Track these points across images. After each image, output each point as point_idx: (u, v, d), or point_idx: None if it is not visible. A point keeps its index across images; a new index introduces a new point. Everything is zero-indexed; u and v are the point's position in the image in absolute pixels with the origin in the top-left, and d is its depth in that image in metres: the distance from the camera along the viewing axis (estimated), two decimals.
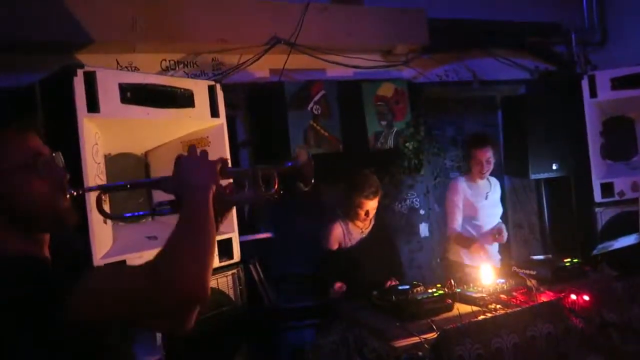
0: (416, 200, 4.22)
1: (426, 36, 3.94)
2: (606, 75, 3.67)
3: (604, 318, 2.40)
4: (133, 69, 3.22)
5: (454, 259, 3.37)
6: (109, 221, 2.30)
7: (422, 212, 4.24)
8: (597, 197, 3.66)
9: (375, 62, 3.98)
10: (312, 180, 1.29)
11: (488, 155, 3.27)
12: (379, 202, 3.04)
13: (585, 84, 3.66)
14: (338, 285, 2.86)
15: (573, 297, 2.42)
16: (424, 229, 4.26)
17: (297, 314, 3.17)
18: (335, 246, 3.04)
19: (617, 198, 3.64)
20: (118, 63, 3.23)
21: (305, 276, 3.26)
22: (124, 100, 2.35)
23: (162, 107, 2.48)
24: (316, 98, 3.67)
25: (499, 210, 3.48)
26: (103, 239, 2.29)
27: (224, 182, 1.23)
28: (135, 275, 1.03)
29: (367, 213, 2.99)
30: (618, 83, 3.64)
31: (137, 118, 2.42)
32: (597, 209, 3.66)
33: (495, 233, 3.25)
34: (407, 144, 3.99)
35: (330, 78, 3.86)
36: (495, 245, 3.37)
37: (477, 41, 4.32)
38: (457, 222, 3.29)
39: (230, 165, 1.34)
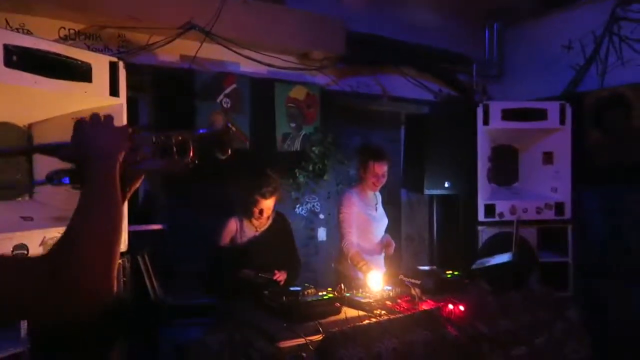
0: (317, 205, 4.27)
1: (342, 46, 4.03)
2: (498, 106, 3.99)
3: (476, 329, 2.58)
4: (25, 31, 2.92)
5: (341, 270, 3.33)
6: None
7: (321, 216, 4.29)
8: (481, 216, 3.96)
9: (291, 64, 3.98)
10: (230, 148, 1.21)
11: (384, 169, 3.28)
12: (277, 202, 3.01)
13: (480, 111, 3.95)
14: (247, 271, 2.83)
15: (450, 307, 2.59)
16: (322, 234, 4.32)
17: (184, 311, 3.04)
18: (226, 241, 3.01)
19: (497, 219, 3.96)
20: (8, 23, 2.91)
21: (197, 273, 3.14)
22: (9, 63, 2.11)
23: (53, 77, 2.25)
24: (227, 91, 3.58)
25: (386, 221, 3.48)
26: None
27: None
28: (30, 269, 0.84)
29: (261, 212, 2.97)
30: (507, 115, 3.98)
31: (22, 85, 2.17)
32: (479, 227, 3.96)
33: (384, 245, 3.30)
34: (313, 149, 4.04)
35: (243, 73, 3.79)
36: (382, 256, 3.39)
37: (390, 58, 4.50)
38: (353, 235, 3.23)
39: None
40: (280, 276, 2.93)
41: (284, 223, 3.22)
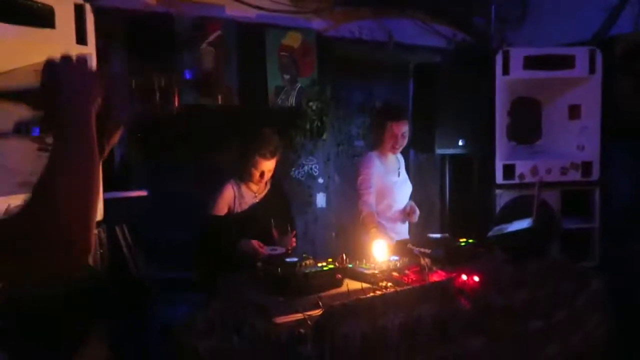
0: (315, 168, 4.23)
1: None
2: (520, 53, 3.91)
3: (490, 300, 2.60)
4: None
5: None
6: None
7: (320, 180, 4.27)
8: (499, 178, 3.94)
9: (283, 7, 3.88)
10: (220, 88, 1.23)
11: (404, 129, 3.29)
12: (277, 165, 3.00)
13: (499, 59, 3.88)
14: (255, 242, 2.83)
15: (463, 278, 2.59)
16: (321, 199, 4.30)
17: (170, 286, 3.06)
18: (224, 210, 2.98)
19: (517, 181, 3.95)
20: None
21: (183, 245, 3.13)
22: None
23: (8, 22, 2.19)
24: (211, 38, 3.51)
25: (410, 187, 3.53)
26: None
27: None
28: (5, 228, 0.88)
29: (262, 174, 2.95)
30: (530, 63, 3.90)
31: None
32: (497, 191, 3.95)
33: (407, 212, 3.34)
34: (310, 104, 3.98)
35: (229, 17, 3.70)
36: (406, 225, 3.45)
37: None
38: (371, 196, 3.26)
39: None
40: (293, 241, 2.95)
41: (280, 187, 3.22)
